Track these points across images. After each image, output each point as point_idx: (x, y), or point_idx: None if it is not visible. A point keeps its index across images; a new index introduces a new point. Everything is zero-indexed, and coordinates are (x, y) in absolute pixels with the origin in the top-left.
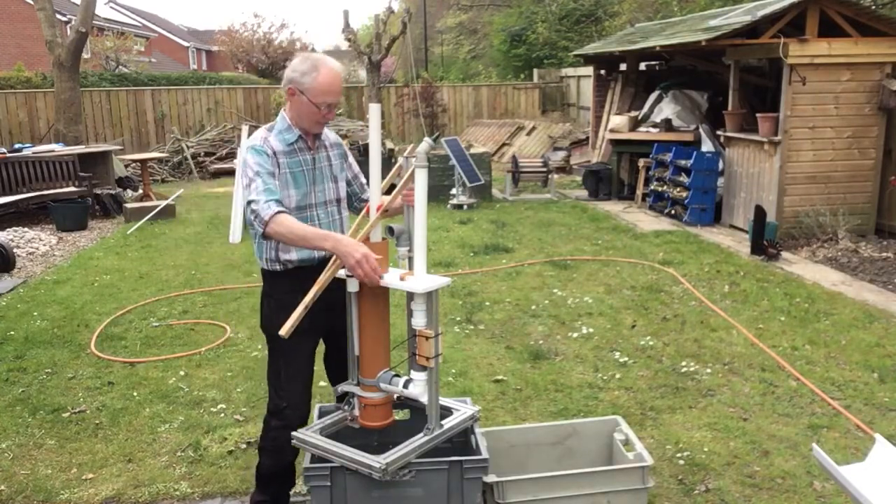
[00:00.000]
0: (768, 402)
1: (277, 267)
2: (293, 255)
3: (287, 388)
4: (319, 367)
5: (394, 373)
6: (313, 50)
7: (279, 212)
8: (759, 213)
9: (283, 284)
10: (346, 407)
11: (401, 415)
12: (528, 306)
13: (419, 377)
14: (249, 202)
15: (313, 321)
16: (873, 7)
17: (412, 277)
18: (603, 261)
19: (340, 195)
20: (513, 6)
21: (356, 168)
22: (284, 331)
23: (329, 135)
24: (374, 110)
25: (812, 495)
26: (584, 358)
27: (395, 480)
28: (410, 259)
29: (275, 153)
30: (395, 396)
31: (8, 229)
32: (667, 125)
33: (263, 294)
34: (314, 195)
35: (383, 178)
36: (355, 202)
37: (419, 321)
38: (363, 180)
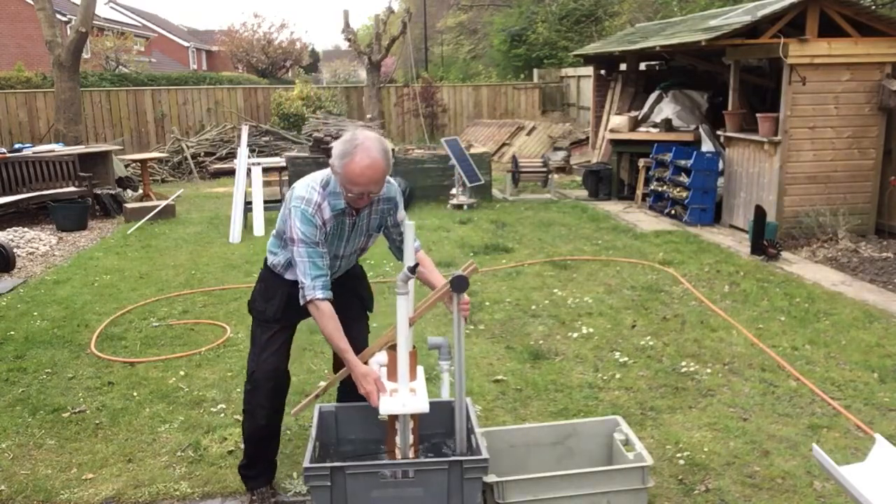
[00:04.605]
0: (768, 402)
1: (277, 270)
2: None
3: (260, 356)
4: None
5: None
6: (313, 50)
7: (324, 299)
8: (759, 213)
9: (279, 281)
10: None
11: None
12: (528, 306)
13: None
14: (297, 269)
15: (287, 317)
16: (873, 7)
17: (396, 395)
18: (603, 261)
19: (367, 245)
20: (513, 6)
21: (402, 215)
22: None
23: (385, 189)
24: (408, 228)
25: (812, 495)
26: (584, 358)
27: (396, 480)
28: (451, 373)
29: (324, 222)
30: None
31: (8, 229)
32: (667, 125)
33: (260, 276)
34: (344, 249)
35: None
36: (392, 247)
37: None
38: (405, 229)
